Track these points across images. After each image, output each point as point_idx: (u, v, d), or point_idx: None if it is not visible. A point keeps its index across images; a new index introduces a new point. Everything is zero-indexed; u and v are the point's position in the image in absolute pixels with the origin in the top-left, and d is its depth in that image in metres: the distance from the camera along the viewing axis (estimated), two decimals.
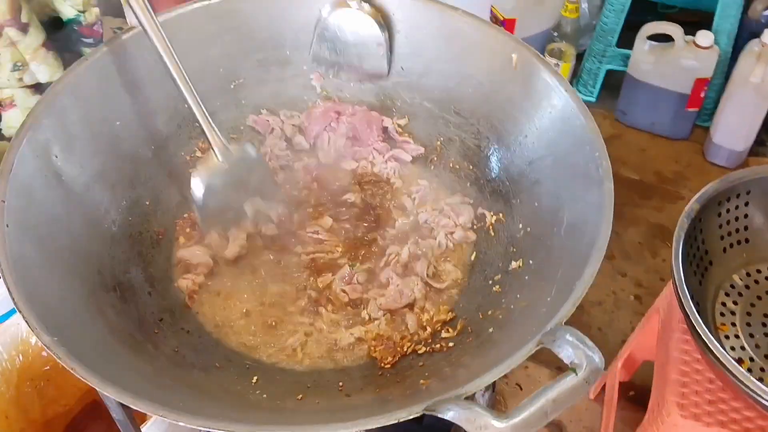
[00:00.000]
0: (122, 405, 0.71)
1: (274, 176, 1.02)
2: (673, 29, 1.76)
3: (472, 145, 1.01)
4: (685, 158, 1.92)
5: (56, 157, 0.83)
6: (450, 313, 0.89)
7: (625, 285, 1.65)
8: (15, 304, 0.68)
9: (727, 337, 0.99)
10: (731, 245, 1.04)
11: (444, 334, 0.87)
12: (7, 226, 0.73)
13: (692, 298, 0.88)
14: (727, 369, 0.82)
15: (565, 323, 0.68)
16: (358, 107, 1.06)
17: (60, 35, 1.39)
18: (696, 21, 1.88)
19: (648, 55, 1.83)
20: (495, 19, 1.90)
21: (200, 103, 0.87)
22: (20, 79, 1.35)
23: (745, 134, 1.81)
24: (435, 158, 1.04)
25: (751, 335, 0.99)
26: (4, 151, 0.79)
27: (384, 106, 1.07)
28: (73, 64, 0.88)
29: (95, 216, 0.87)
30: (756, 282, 1.04)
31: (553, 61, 1.92)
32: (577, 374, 0.64)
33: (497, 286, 0.89)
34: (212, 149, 0.90)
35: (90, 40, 1.41)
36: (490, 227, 0.96)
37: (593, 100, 2.06)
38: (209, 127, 0.89)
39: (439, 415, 0.62)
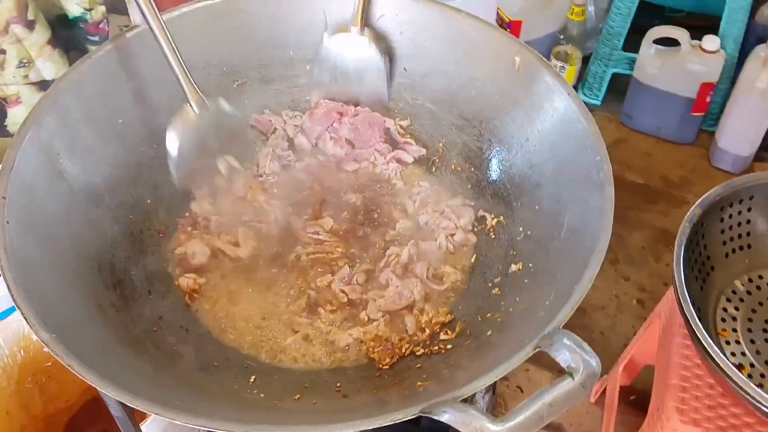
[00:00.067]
0: (121, 403, 0.71)
1: (247, 132, 1.02)
2: (679, 33, 1.76)
3: (474, 147, 1.01)
4: (690, 163, 1.91)
5: (58, 154, 0.83)
6: (449, 316, 0.89)
7: (628, 289, 1.65)
8: (14, 300, 0.68)
9: (727, 342, 0.99)
10: (733, 251, 1.04)
11: (442, 336, 0.86)
12: (8, 222, 0.73)
13: (693, 303, 0.88)
14: (727, 375, 0.82)
15: (567, 326, 0.68)
16: (360, 108, 1.05)
17: (66, 33, 1.40)
18: (703, 25, 1.87)
19: (654, 59, 1.82)
20: (501, 22, 1.90)
21: (177, 51, 0.87)
22: (26, 76, 1.36)
23: (751, 139, 1.80)
24: (437, 160, 1.04)
25: (752, 341, 0.98)
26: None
27: (387, 107, 1.07)
28: (76, 62, 0.89)
29: (96, 214, 0.87)
30: (758, 288, 1.04)
31: (559, 64, 1.92)
32: (573, 378, 0.64)
33: (497, 289, 0.89)
34: (189, 102, 0.90)
35: (96, 38, 1.42)
36: (491, 230, 0.96)
37: (599, 103, 2.05)
38: (186, 79, 0.89)
39: (435, 418, 0.62)
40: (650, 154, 1.94)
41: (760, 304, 1.02)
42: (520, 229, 0.92)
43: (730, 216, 1.02)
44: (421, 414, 0.63)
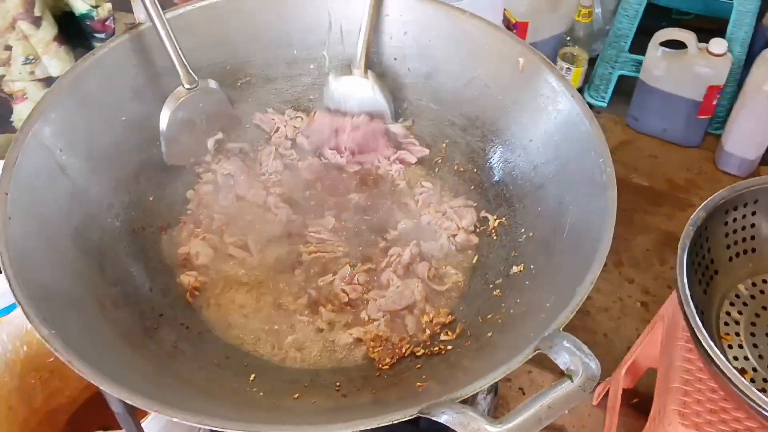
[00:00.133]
0: (121, 400, 0.71)
1: (234, 110, 1.04)
2: (686, 36, 1.75)
3: (477, 148, 1.01)
4: (696, 166, 1.91)
5: (61, 150, 0.84)
6: (450, 316, 0.89)
7: (632, 292, 1.64)
8: (15, 296, 0.68)
9: (730, 346, 0.98)
10: (737, 254, 1.03)
11: (443, 337, 0.86)
12: (10, 218, 0.73)
13: (696, 306, 0.87)
14: (729, 379, 0.82)
15: (570, 328, 0.67)
16: (357, 119, 1.04)
17: (73, 30, 1.40)
18: (711, 28, 1.86)
19: (661, 61, 1.82)
20: (508, 22, 1.90)
21: (169, 30, 0.91)
22: (32, 73, 1.36)
23: (758, 143, 1.79)
24: (440, 160, 1.04)
25: (755, 345, 0.98)
26: None
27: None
28: (80, 59, 0.89)
29: (98, 210, 0.88)
30: (761, 292, 1.03)
31: (566, 65, 1.91)
32: (572, 381, 0.64)
33: (498, 290, 0.88)
34: (181, 81, 0.94)
35: (102, 36, 1.43)
36: (493, 231, 0.96)
37: (605, 105, 2.05)
38: (177, 56, 0.92)
39: (433, 419, 0.62)
40: (656, 156, 1.93)
41: (764, 308, 1.01)
42: (522, 230, 0.92)
43: (735, 220, 1.01)
44: (419, 415, 0.63)
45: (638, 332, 1.49)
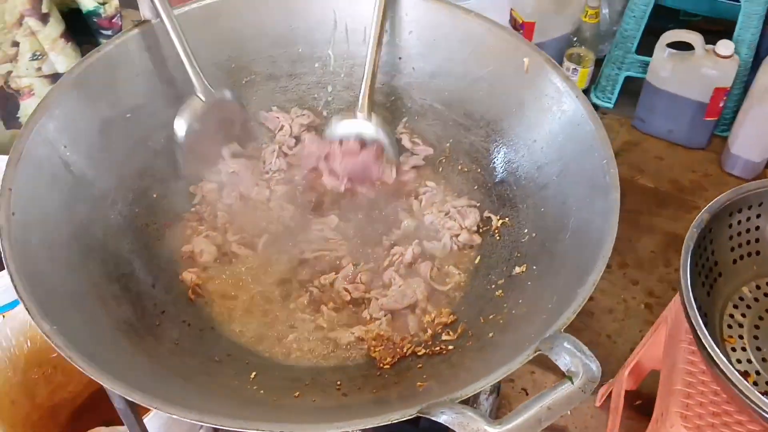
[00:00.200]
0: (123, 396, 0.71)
1: (250, 121, 1.04)
2: (693, 37, 1.75)
3: (481, 148, 1.00)
4: (702, 168, 1.90)
5: (65, 146, 0.84)
6: (451, 316, 0.89)
7: (636, 293, 1.64)
8: (17, 291, 0.68)
9: (733, 349, 0.98)
10: (741, 257, 1.03)
11: (444, 337, 0.86)
12: (13, 214, 0.74)
13: (700, 309, 0.87)
14: (732, 382, 0.81)
15: (575, 329, 0.67)
16: (348, 144, 1.00)
17: (80, 26, 1.41)
18: (718, 30, 1.86)
19: (667, 62, 1.81)
20: (514, 23, 1.90)
21: (186, 43, 0.92)
22: (39, 69, 1.37)
23: (764, 145, 1.79)
24: (443, 160, 1.04)
25: (759, 348, 0.98)
26: None
27: (394, 106, 1.06)
28: (85, 55, 0.89)
29: (102, 207, 0.88)
30: (765, 295, 1.03)
31: (572, 66, 1.91)
32: (573, 382, 0.63)
33: (500, 291, 0.88)
34: (196, 92, 0.94)
35: (109, 32, 1.43)
36: (496, 231, 0.96)
37: (611, 106, 2.04)
38: (192, 67, 0.93)
39: (433, 419, 0.62)
40: (662, 158, 1.93)
41: None
42: (525, 231, 0.91)
43: (739, 222, 1.01)
44: (419, 414, 0.63)
45: (642, 334, 1.49)
